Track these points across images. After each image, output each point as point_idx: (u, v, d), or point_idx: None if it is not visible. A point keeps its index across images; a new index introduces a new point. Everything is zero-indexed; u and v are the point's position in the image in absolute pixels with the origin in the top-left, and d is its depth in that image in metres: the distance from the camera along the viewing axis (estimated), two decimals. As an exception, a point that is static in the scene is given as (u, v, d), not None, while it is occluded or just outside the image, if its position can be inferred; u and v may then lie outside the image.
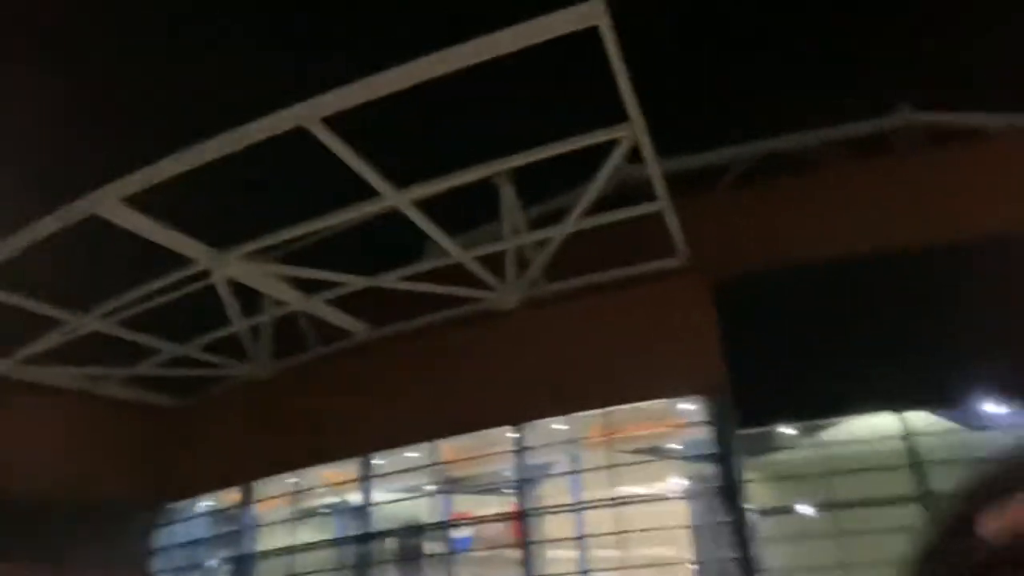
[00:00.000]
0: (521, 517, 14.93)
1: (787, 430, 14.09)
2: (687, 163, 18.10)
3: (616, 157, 12.34)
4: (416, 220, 13.21)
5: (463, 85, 10.61)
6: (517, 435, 15.20)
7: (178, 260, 13.89)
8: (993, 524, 0.65)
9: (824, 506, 12.94)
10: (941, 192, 13.37)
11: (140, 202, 12.04)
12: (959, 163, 14.04)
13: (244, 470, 17.95)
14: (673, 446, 15.48)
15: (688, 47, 23.32)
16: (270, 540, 17.81)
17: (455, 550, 16.18)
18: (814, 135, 18.18)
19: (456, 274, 14.93)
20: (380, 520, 16.70)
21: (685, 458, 15.07)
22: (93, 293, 15.22)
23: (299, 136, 10.73)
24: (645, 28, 15.40)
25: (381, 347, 16.86)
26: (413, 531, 16.75)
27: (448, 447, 16.21)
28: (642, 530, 13.86)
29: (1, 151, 14.15)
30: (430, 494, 17.15)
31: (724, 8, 23.03)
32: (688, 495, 14.62)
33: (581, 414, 14.83)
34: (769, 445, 14.07)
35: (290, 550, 17.12)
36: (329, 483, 18.04)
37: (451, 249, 14.19)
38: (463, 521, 16.57)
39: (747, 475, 13.29)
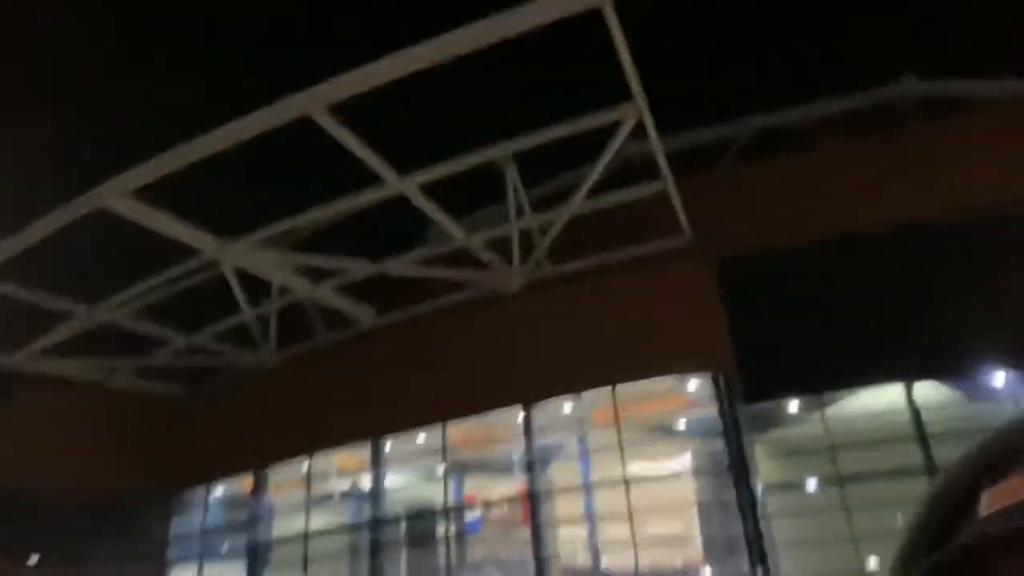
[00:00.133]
0: (531, 497, 15.10)
1: (793, 406, 14.19)
2: (688, 140, 18.09)
3: (621, 137, 12.34)
4: (422, 206, 13.26)
5: (465, 69, 10.60)
6: (525, 416, 15.33)
7: (186, 251, 13.98)
8: (989, 502, 0.62)
9: (831, 480, 13.06)
10: (946, 163, 13.36)
11: (147, 194, 12.10)
12: (966, 134, 13.97)
13: (256, 457, 18.14)
14: (680, 424, 15.60)
15: (686, 24, 23.19)
16: (284, 526, 18.03)
17: (466, 531, 16.38)
18: (817, 106, 18.07)
19: (460, 258, 15.00)
20: (392, 504, 16.91)
21: (692, 435, 15.21)
22: (102, 286, 15.34)
23: (304, 125, 10.75)
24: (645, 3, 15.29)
25: (387, 333, 16.97)
26: (425, 514, 16.94)
27: (457, 430, 16.37)
28: (650, 508, 14.01)
29: (9, 147, 14.20)
30: (441, 477, 17.32)
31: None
32: (696, 472, 14.77)
33: (588, 395, 14.95)
34: (776, 420, 14.19)
35: (304, 535, 17.33)
36: (341, 468, 18.22)
37: (457, 234, 14.25)
38: (474, 503, 16.76)
39: (754, 451, 13.42)
